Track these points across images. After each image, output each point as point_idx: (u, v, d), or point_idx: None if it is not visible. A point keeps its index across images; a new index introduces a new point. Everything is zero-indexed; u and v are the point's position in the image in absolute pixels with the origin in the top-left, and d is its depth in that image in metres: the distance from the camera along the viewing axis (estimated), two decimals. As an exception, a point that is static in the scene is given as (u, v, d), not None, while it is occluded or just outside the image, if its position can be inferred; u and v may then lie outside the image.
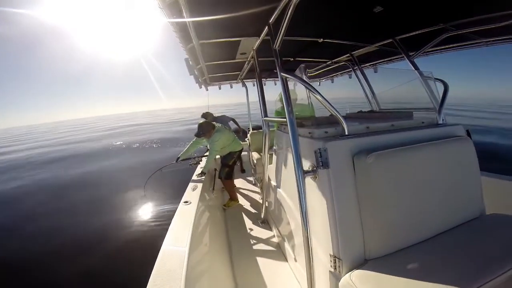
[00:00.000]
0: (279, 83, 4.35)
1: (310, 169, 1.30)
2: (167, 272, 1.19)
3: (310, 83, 1.49)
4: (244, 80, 4.49)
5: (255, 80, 4.40)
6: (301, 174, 1.26)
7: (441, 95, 1.80)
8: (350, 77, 3.26)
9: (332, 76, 3.41)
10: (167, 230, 1.67)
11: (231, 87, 4.94)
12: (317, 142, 1.26)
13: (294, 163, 1.29)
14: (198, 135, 3.27)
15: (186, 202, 2.17)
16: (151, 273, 1.18)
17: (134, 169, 9.32)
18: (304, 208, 1.26)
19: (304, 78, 1.70)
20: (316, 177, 1.28)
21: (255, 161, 3.75)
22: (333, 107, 1.34)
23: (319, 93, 1.38)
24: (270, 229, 2.64)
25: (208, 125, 3.26)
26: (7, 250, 4.52)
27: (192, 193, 2.47)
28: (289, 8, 1.39)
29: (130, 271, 3.33)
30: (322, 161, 1.20)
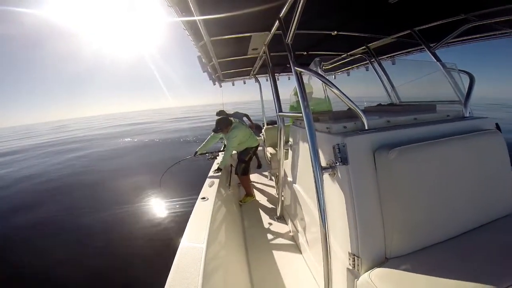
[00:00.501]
0: (293, 77, 4.32)
1: (328, 165, 1.26)
2: (185, 268, 1.20)
3: (326, 77, 1.45)
4: (257, 76, 4.47)
5: (268, 75, 4.40)
6: (319, 170, 1.22)
7: (466, 88, 1.71)
8: (367, 70, 3.16)
9: (348, 69, 3.32)
10: (184, 223, 1.70)
11: (244, 83, 4.94)
12: (336, 137, 1.22)
13: (311, 159, 1.25)
14: (215, 130, 3.30)
15: (203, 198, 2.19)
16: (170, 267, 1.21)
17: (151, 164, 9.72)
18: (322, 205, 1.23)
19: (320, 72, 1.66)
20: (334, 174, 1.25)
21: (270, 156, 3.73)
22: (351, 100, 1.29)
23: (335, 86, 1.32)
24: (286, 225, 2.63)
25: (226, 121, 3.26)
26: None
27: (209, 189, 2.48)
28: (300, 1, 1.35)
29: (149, 264, 3.46)
30: (341, 157, 1.16)
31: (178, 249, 1.38)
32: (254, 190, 3.71)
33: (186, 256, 1.31)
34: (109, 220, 5.23)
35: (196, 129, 21.26)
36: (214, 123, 3.29)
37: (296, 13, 1.43)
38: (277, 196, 3.07)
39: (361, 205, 1.15)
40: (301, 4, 1.36)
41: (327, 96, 1.65)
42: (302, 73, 1.56)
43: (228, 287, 1.49)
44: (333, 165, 1.23)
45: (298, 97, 2.73)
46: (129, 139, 18.96)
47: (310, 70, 1.49)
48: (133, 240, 4.38)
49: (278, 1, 1.58)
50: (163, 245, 3.78)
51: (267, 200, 3.44)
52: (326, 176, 1.28)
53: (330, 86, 1.33)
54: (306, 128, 1.33)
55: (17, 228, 5.36)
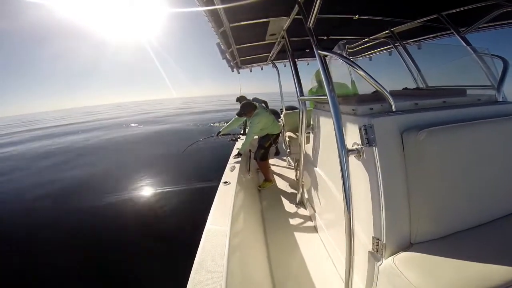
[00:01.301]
0: (311, 63, 4.25)
1: (354, 147, 1.26)
2: (211, 250, 1.25)
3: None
4: (274, 61, 4.42)
5: (285, 61, 4.37)
6: (344, 152, 1.22)
7: (500, 73, 1.64)
8: (390, 54, 3.06)
9: (370, 53, 3.23)
10: (207, 203, 1.81)
11: (262, 69, 4.91)
12: (362, 119, 1.21)
13: (337, 141, 1.25)
14: (239, 114, 3.38)
15: (225, 182, 2.24)
16: (196, 249, 1.27)
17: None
18: (347, 188, 1.22)
19: (344, 55, 1.63)
20: (360, 156, 1.24)
21: (289, 141, 3.75)
22: (378, 82, 1.26)
23: (362, 69, 1.29)
24: (306, 210, 2.65)
25: (250, 105, 3.31)
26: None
27: (231, 174, 2.54)
28: None
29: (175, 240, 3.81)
30: (367, 139, 1.15)
31: (204, 231, 1.43)
32: (273, 175, 3.76)
33: (212, 238, 1.36)
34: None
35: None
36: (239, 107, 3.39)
37: None
38: (296, 181, 3.10)
39: (388, 188, 1.12)
40: None
41: (353, 79, 1.63)
42: (325, 57, 1.54)
43: (249, 268, 1.55)
44: (359, 147, 1.22)
45: (318, 81, 2.71)
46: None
47: (335, 53, 1.47)
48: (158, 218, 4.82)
49: None
50: (188, 224, 3.99)
51: (286, 186, 3.48)
52: (351, 159, 1.27)
53: (357, 69, 1.31)
54: (332, 109, 1.32)
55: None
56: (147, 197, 5.80)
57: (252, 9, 1.92)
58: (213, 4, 1.65)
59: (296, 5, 1.77)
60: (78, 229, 4.53)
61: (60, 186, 6.97)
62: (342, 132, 1.26)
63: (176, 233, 4.05)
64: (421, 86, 2.36)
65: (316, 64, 1.56)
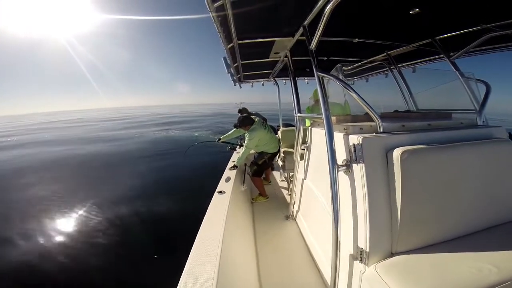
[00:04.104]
0: (311, 81, 4.42)
1: (344, 163, 1.37)
2: (203, 257, 1.28)
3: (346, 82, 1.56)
4: (275, 78, 4.61)
5: (285, 78, 4.55)
6: (335, 167, 1.34)
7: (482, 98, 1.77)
8: (386, 76, 3.22)
9: (367, 75, 3.39)
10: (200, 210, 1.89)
11: (263, 84, 5.11)
12: (353, 137, 1.32)
13: (328, 157, 1.36)
14: (236, 126, 3.48)
15: (220, 192, 2.30)
16: (187, 255, 1.30)
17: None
18: (336, 200, 1.32)
19: (341, 77, 1.76)
20: (349, 171, 1.35)
21: (284, 157, 3.84)
22: (368, 105, 1.39)
23: (355, 91, 1.43)
24: (296, 224, 2.71)
25: (245, 120, 3.38)
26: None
27: (226, 184, 2.61)
28: (326, 12, 1.43)
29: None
30: (356, 156, 1.27)
31: (196, 238, 1.47)
32: (267, 189, 3.77)
33: (205, 245, 1.39)
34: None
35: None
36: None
37: (321, 22, 1.52)
38: (288, 195, 3.15)
39: (372, 201, 1.23)
40: (327, 14, 1.45)
41: (346, 101, 1.76)
42: (324, 78, 1.67)
43: (239, 277, 1.58)
44: (348, 163, 1.34)
45: (315, 100, 2.84)
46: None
47: (332, 76, 1.60)
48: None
49: (303, 9, 1.69)
50: (180, 230, 4.02)
51: (278, 200, 3.53)
52: (340, 174, 1.38)
53: (350, 91, 1.44)
54: (325, 127, 1.44)
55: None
56: (136, 202, 5.76)
57: (260, 29, 2.07)
58: (226, 21, 1.77)
59: (301, 28, 1.90)
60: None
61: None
62: (334, 148, 1.37)
63: (168, 238, 4.14)
64: (411, 108, 2.49)
65: (315, 83, 1.69)
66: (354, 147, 1.28)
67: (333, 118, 1.58)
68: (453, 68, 2.30)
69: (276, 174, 4.66)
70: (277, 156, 3.95)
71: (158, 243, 4.07)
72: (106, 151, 12.44)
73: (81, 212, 5.35)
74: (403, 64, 3.31)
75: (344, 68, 1.93)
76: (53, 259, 3.80)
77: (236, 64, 3.24)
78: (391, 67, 2.88)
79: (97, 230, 4.61)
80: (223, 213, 1.84)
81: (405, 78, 2.69)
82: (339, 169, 1.35)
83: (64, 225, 4.88)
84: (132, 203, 5.57)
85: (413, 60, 3.26)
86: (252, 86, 5.19)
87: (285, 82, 4.72)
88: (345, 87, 1.47)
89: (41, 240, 4.32)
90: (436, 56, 3.00)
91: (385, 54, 2.91)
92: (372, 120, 1.42)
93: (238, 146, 4.67)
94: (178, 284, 1.09)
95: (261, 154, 3.46)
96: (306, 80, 4.60)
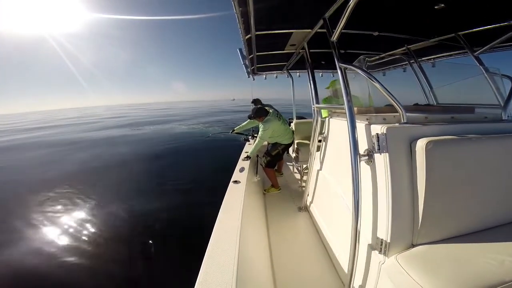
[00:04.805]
0: (325, 74, 4.39)
1: (366, 153, 1.37)
2: (223, 242, 1.31)
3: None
4: (290, 71, 4.59)
5: (300, 71, 4.54)
6: (357, 157, 1.35)
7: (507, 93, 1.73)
8: (404, 71, 3.18)
9: (385, 69, 3.35)
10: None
11: (276, 77, 5.09)
12: (376, 127, 1.33)
13: (350, 147, 1.37)
14: (250, 117, 3.55)
15: (235, 181, 2.34)
16: (206, 244, 1.31)
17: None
18: (357, 190, 1.33)
19: (364, 68, 1.76)
20: (370, 161, 1.35)
21: (297, 149, 3.85)
22: (392, 95, 1.38)
23: (379, 82, 1.42)
24: (310, 215, 2.72)
25: (260, 111, 3.38)
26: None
27: (240, 174, 2.64)
28: (351, 3, 1.41)
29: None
30: (380, 145, 1.28)
31: (215, 227, 1.49)
32: (280, 181, 3.78)
33: (223, 234, 1.41)
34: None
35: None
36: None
37: (345, 14, 1.51)
38: (301, 187, 3.17)
39: (395, 191, 1.22)
40: (351, 6, 1.43)
41: (370, 92, 1.77)
42: (346, 69, 1.67)
43: (256, 267, 1.60)
44: (371, 153, 1.35)
45: (333, 91, 2.83)
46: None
47: (356, 67, 1.60)
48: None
49: (324, 1, 1.67)
50: (197, 218, 4.16)
51: (291, 190, 3.54)
52: (362, 164, 1.39)
53: (374, 82, 1.44)
54: (348, 118, 1.44)
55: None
56: (155, 195, 5.82)
57: (279, 20, 2.07)
58: (247, 12, 1.77)
59: (321, 20, 1.89)
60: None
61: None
62: (356, 138, 1.39)
63: (185, 227, 4.20)
64: (431, 103, 2.46)
65: (329, 75, 1.69)
66: (378, 137, 1.28)
67: (354, 109, 1.59)
68: (477, 63, 2.26)
69: (288, 166, 4.69)
70: (291, 148, 3.98)
71: (180, 229, 4.17)
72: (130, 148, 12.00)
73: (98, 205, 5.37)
74: (423, 58, 3.25)
75: (367, 59, 1.92)
76: (80, 254, 3.71)
77: (251, 55, 3.25)
78: (411, 61, 2.84)
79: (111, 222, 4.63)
80: (239, 202, 1.86)
81: (425, 72, 2.64)
82: (361, 158, 1.35)
83: (97, 217, 4.83)
84: (154, 196, 5.63)
85: (433, 54, 3.21)
86: (265, 78, 5.21)
87: (298, 75, 4.68)
88: (370, 78, 1.47)
89: (66, 237, 4.22)
90: (458, 51, 2.94)
91: (404, 48, 2.87)
92: (395, 112, 1.42)
93: (250, 137, 4.73)
94: (199, 273, 1.09)
95: (275, 145, 3.46)
96: (321, 73, 4.56)
